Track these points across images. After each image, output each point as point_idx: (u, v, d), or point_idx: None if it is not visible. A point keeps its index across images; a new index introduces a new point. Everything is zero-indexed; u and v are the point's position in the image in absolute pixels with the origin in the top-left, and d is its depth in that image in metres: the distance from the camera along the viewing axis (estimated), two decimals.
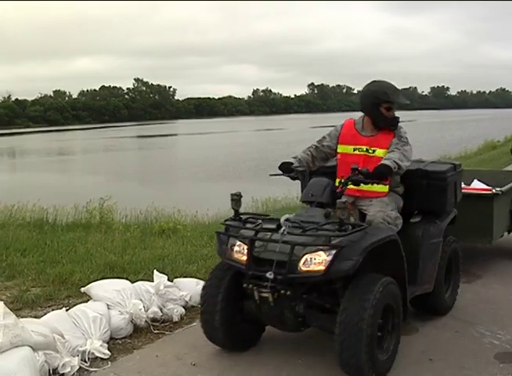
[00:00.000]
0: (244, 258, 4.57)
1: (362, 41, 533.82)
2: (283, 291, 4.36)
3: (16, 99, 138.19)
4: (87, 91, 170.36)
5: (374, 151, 5.27)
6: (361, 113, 5.53)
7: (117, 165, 36.91)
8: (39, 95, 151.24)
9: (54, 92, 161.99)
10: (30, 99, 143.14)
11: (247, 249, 4.54)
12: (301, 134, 59.25)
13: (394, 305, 4.62)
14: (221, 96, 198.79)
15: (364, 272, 4.44)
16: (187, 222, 11.34)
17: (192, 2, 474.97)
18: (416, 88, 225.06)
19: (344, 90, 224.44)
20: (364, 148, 5.31)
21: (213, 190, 20.06)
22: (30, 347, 4.30)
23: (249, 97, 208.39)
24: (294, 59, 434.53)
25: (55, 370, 4.43)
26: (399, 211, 5.35)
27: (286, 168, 5.29)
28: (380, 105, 5.26)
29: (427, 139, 42.53)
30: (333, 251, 4.21)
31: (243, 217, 4.92)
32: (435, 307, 5.81)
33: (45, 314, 5.42)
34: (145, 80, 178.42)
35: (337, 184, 5.00)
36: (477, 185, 7.87)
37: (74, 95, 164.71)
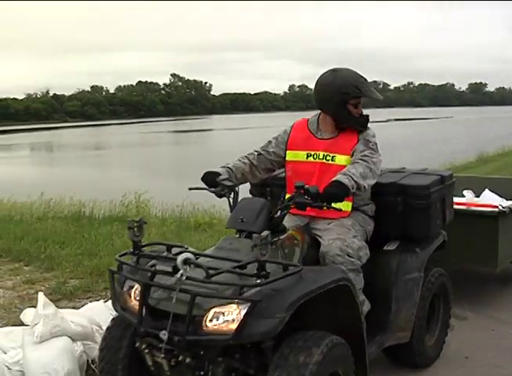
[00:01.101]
0: (137, 308, 3.34)
1: (400, 37, 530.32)
2: (181, 357, 3.20)
3: (54, 94, 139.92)
4: (124, 86, 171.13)
5: (334, 158, 4.12)
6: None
7: (152, 160, 37.05)
8: (77, 90, 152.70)
9: (91, 87, 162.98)
10: (67, 94, 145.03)
11: (140, 297, 3.32)
12: None
13: (344, 373, 3.43)
14: (257, 92, 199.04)
15: (302, 328, 3.35)
16: (223, 217, 11.37)
17: (233, 2, 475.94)
18: (453, 84, 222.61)
19: (381, 86, 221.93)
20: (321, 154, 4.16)
21: (247, 185, 20.04)
22: (69, 337, 4.36)
23: (285, 93, 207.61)
24: (331, 55, 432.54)
25: (93, 361, 4.46)
26: (367, 236, 4.24)
27: (210, 181, 4.09)
28: (348, 102, 4.10)
29: (464, 135, 42.08)
30: (247, 306, 3.04)
31: (151, 250, 3.82)
32: (413, 360, 4.61)
33: (83, 305, 5.50)
34: (181, 75, 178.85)
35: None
36: (487, 196, 6.52)
37: (111, 91, 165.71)
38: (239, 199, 3.99)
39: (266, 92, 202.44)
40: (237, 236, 3.71)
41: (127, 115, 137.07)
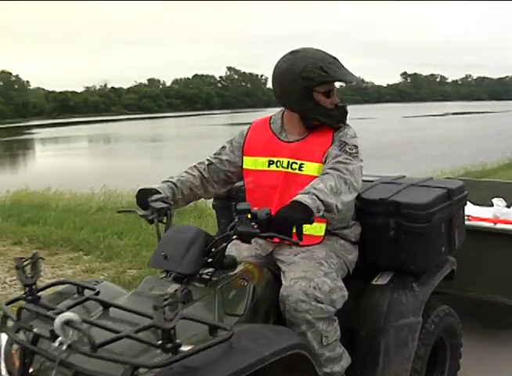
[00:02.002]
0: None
1: (458, 30, 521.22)
2: None
3: (112, 88, 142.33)
4: (180, 79, 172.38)
5: (301, 166, 3.11)
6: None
7: (208, 152, 37.17)
8: (134, 84, 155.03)
9: (148, 80, 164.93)
10: (125, 87, 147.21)
11: (18, 364, 2.37)
12: (393, 124, 58.41)
13: None
14: None
15: None
16: None
17: None
18: None
19: (438, 79, 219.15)
20: (285, 161, 3.15)
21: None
22: None
23: (341, 86, 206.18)
24: (390, 47, 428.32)
25: None
26: (348, 268, 3.23)
27: (142, 201, 3.12)
28: (313, 89, 3.08)
29: None
30: None
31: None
32: None
33: None
34: (237, 68, 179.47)
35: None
36: (499, 206, 5.29)
37: (168, 84, 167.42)
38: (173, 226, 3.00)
39: None
40: (162, 276, 2.90)
41: (183, 108, 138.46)
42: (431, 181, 3.86)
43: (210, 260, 2.71)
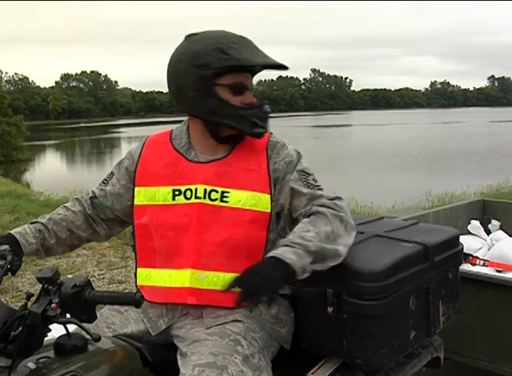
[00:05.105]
0: None
1: None
2: None
3: None
4: (264, 81, 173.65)
5: (225, 196, 2.11)
6: None
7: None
8: None
9: None
10: None
11: None
12: (480, 128, 57.04)
13: None
14: (397, 88, 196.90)
15: None
16: (364, 212, 11.28)
17: None
18: None
19: None
20: (200, 189, 2.13)
21: (388, 181, 19.75)
22: None
23: (426, 89, 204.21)
24: (477, 50, 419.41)
25: None
26: (281, 344, 2.21)
27: None
28: (214, 82, 2.07)
29: None
30: None
31: None
32: None
33: None
34: (321, 70, 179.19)
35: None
36: (501, 238, 4.26)
37: None
38: None
39: (407, 88, 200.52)
40: None
41: None
42: (412, 229, 2.59)
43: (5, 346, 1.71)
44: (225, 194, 2.11)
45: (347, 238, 2.06)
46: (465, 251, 3.65)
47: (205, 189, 2.12)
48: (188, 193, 2.14)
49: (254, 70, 2.18)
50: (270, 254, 1.90)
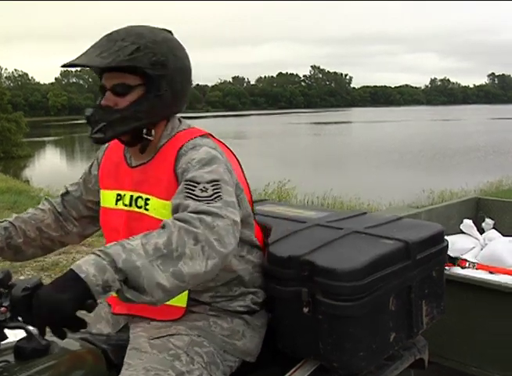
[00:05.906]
0: None
1: None
2: None
3: (198, 85, 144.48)
4: (264, 77, 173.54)
5: (147, 203, 1.99)
6: None
7: (290, 150, 37.24)
8: (219, 81, 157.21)
9: (233, 78, 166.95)
10: (210, 84, 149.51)
11: None
12: (479, 126, 57.02)
13: None
14: (397, 85, 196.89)
15: None
16: (363, 209, 11.29)
17: None
18: None
19: None
20: (127, 196, 2.06)
21: (387, 179, 19.75)
22: None
23: (426, 86, 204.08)
24: (477, 48, 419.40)
25: None
26: (229, 369, 2.03)
27: None
28: (104, 87, 1.95)
29: None
30: None
31: None
32: None
33: None
34: (321, 67, 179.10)
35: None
36: (494, 238, 4.19)
37: (252, 82, 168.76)
38: None
39: (407, 86, 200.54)
40: None
41: (267, 106, 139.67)
42: (394, 224, 2.47)
43: None
44: (147, 202, 1.99)
45: (199, 263, 1.59)
46: (457, 250, 3.73)
47: (131, 196, 2.04)
48: (123, 199, 2.07)
49: (102, 70, 1.96)
50: (72, 266, 1.55)
